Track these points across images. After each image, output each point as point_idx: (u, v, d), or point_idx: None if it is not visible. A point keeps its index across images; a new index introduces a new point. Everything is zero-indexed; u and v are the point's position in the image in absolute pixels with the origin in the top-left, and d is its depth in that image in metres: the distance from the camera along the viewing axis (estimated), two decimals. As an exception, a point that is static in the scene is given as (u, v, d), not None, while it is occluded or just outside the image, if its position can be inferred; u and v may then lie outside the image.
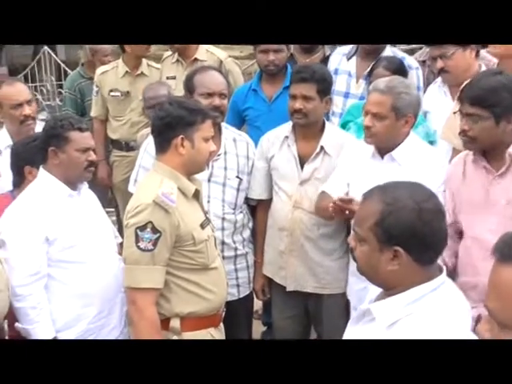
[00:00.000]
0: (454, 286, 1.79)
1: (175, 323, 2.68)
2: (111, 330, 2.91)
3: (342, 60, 4.08)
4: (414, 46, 5.84)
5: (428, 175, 2.74)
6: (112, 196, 5.32)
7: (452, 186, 2.81)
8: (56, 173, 2.83)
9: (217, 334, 2.81)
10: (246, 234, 3.43)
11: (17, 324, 2.75)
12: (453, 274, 2.72)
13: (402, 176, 2.55)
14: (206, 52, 4.70)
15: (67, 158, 2.83)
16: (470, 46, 3.51)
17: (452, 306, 1.71)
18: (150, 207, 2.55)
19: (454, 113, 2.71)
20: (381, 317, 1.72)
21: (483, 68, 3.56)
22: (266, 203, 3.46)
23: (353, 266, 2.53)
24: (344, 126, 3.72)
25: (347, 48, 4.11)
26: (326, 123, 3.39)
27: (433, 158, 3.00)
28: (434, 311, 1.67)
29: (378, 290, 1.83)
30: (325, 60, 4.27)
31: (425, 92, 3.89)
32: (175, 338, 2.67)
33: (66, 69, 8.50)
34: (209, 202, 3.23)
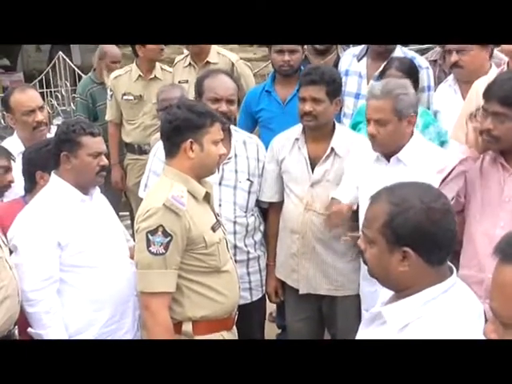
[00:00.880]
0: (465, 287, 1.78)
1: (187, 327, 2.68)
2: (124, 334, 2.91)
3: (352, 61, 4.07)
4: (424, 46, 5.82)
5: (434, 174, 2.73)
6: (126, 200, 5.35)
7: (468, 177, 2.80)
8: (68, 178, 2.84)
9: (230, 337, 2.80)
10: (258, 237, 3.42)
11: (29, 329, 2.76)
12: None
13: (409, 177, 2.54)
14: (217, 55, 4.72)
15: (79, 163, 2.83)
16: (487, 46, 3.49)
17: (463, 307, 1.70)
18: (161, 211, 2.55)
19: (471, 115, 2.68)
20: (392, 320, 1.72)
21: (493, 67, 3.55)
22: (278, 206, 3.45)
23: (364, 269, 2.51)
24: (354, 126, 3.70)
25: (358, 49, 4.10)
26: (337, 125, 3.38)
27: (438, 157, 2.98)
28: (445, 313, 1.67)
29: (389, 292, 1.82)
30: (338, 62, 4.25)
31: (435, 91, 3.87)
32: (188, 341, 2.67)
33: (81, 74, 8.57)
34: (220, 205, 3.23)
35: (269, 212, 3.51)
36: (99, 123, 4.98)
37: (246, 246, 3.33)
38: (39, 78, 9.05)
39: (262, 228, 3.46)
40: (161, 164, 3.01)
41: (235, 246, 3.25)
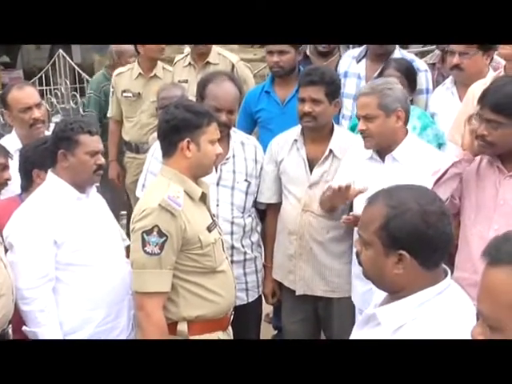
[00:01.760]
0: (459, 289, 1.79)
1: (183, 327, 2.68)
2: (119, 333, 2.91)
3: (351, 63, 4.07)
4: (423, 49, 5.83)
5: (429, 174, 2.74)
6: (127, 198, 5.35)
7: (464, 179, 2.81)
8: (65, 176, 2.84)
9: (225, 337, 2.80)
10: (255, 237, 3.42)
11: (24, 327, 2.75)
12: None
13: (405, 176, 2.54)
14: (218, 55, 4.72)
15: (76, 161, 2.83)
16: (488, 52, 3.52)
17: (457, 309, 1.71)
18: (156, 211, 2.55)
19: (469, 118, 2.69)
20: (386, 322, 1.73)
21: (491, 71, 3.56)
22: (276, 207, 3.45)
23: (357, 268, 2.53)
24: (353, 128, 3.70)
25: (357, 51, 4.11)
26: (335, 126, 3.38)
27: (434, 157, 2.98)
28: (438, 315, 1.68)
29: (383, 294, 1.83)
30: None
31: (433, 94, 3.88)
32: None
33: (81, 72, 8.58)
34: (218, 205, 3.23)
35: (267, 213, 3.51)
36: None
37: (243, 246, 3.33)
38: (39, 76, 9.05)
39: (258, 229, 3.46)
40: (158, 164, 3.00)
41: (232, 247, 3.25)
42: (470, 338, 1.49)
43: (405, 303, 1.71)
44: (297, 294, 3.38)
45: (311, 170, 3.30)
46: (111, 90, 5.10)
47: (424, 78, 3.88)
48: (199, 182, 2.75)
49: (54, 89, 8.83)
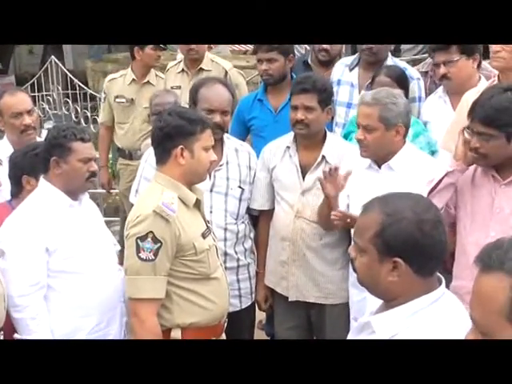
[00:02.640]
0: (453, 298, 1.80)
1: (176, 334, 2.68)
2: (111, 340, 2.90)
3: (344, 71, 4.09)
4: (415, 57, 5.85)
5: (424, 183, 2.75)
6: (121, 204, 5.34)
7: (459, 188, 2.82)
8: (57, 183, 2.83)
9: (218, 344, 2.79)
10: (248, 244, 3.41)
11: (15, 335, 2.74)
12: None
13: (401, 185, 2.54)
14: (211, 62, 4.73)
15: (69, 169, 2.82)
16: (473, 56, 3.52)
17: (451, 318, 1.71)
18: (151, 217, 2.55)
19: (463, 129, 2.71)
20: (381, 330, 1.73)
21: (483, 79, 3.58)
22: (268, 213, 3.45)
23: (353, 277, 2.52)
24: (347, 136, 3.71)
25: (349, 59, 4.13)
26: (328, 133, 3.39)
27: (430, 166, 2.99)
28: (432, 324, 1.68)
29: (378, 301, 1.82)
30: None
31: (426, 102, 3.89)
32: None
33: (73, 78, 8.56)
34: (211, 212, 3.22)
35: (259, 220, 3.51)
36: None
37: (236, 253, 3.32)
38: (31, 82, 9.03)
39: (252, 235, 3.46)
40: (152, 170, 3.00)
41: (225, 253, 3.24)
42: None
43: (399, 312, 1.71)
44: (289, 300, 3.38)
45: (304, 177, 3.31)
46: (103, 95, 5.11)
47: (416, 87, 3.90)
48: (193, 189, 2.75)
49: (46, 95, 8.81)
